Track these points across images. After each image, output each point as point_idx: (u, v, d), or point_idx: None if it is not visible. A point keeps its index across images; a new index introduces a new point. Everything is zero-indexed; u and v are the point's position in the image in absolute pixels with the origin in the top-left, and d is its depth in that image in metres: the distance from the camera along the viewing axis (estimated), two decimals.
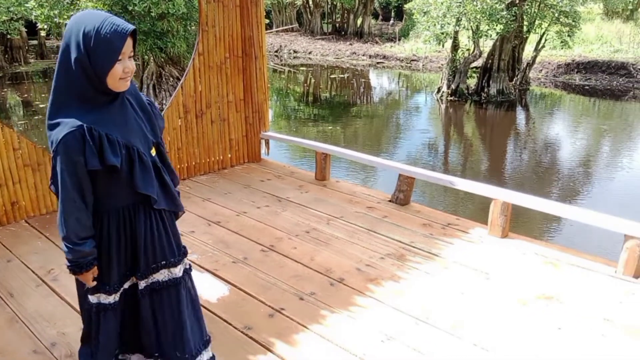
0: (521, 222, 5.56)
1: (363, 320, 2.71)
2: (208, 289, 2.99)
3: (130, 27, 1.65)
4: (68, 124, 1.62)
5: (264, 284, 3.04)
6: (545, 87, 15.17)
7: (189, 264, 2.12)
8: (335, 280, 3.10)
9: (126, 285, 1.94)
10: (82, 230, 1.72)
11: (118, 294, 1.92)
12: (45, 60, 20.14)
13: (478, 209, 5.51)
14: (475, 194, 3.92)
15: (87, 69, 1.63)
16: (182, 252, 2.03)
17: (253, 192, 4.58)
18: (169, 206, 1.93)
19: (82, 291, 1.95)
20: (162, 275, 1.95)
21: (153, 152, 1.88)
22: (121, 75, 1.68)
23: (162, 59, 11.15)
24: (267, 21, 26.91)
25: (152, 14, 9.67)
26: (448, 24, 11.38)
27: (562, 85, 15.09)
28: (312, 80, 17.81)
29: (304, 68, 20.00)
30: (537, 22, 13.09)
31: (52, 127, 1.66)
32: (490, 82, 13.05)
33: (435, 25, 11.61)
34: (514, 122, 11.87)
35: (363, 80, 17.79)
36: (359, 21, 26.22)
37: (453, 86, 13.00)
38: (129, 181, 1.76)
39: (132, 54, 1.71)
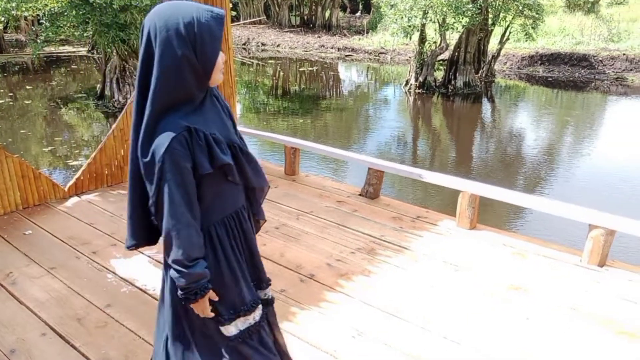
0: (489, 213, 5.63)
1: (334, 316, 2.68)
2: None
3: (222, 10, 1.48)
4: (171, 130, 1.42)
5: None
6: (510, 79, 15.45)
7: None
8: (305, 277, 3.06)
9: (262, 295, 1.75)
10: (193, 250, 1.47)
11: (260, 308, 1.69)
12: (4, 55, 19.35)
13: (447, 200, 5.55)
14: (444, 186, 3.94)
15: (194, 65, 1.44)
16: None
17: None
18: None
19: (214, 327, 1.63)
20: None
21: None
22: (222, 66, 1.52)
23: (126, 52, 10.84)
24: (234, 13, 26.62)
25: (115, 6, 9.38)
26: (415, 16, 11.42)
27: (526, 77, 15.39)
28: (281, 74, 17.67)
29: (272, 61, 19.82)
30: (501, 15, 13.29)
31: (151, 138, 1.45)
32: (457, 74, 13.20)
33: (402, 18, 11.64)
34: (480, 114, 12.05)
35: (332, 73, 17.75)
36: (327, 14, 26.12)
37: (421, 79, 13.09)
38: (240, 179, 1.60)
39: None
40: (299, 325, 2.60)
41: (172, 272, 1.50)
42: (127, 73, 11.02)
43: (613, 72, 14.90)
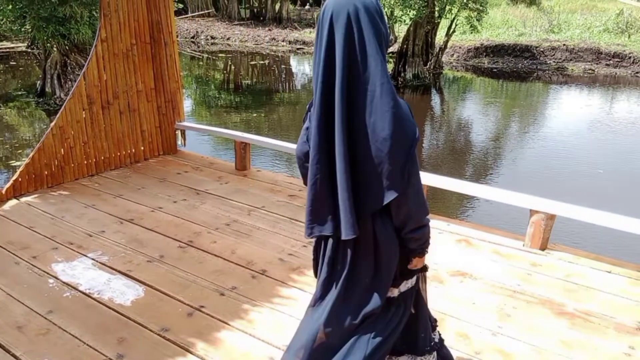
0: (440, 202, 5.77)
1: (286, 311, 2.67)
2: (120, 292, 2.82)
3: None
4: (406, 106, 1.51)
5: (182, 282, 2.91)
6: (457, 70, 15.84)
7: None
8: (257, 273, 3.03)
9: None
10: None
11: None
12: None
13: None
14: None
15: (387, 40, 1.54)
16: None
17: (169, 185, 4.38)
18: None
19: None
20: None
21: None
22: None
23: (67, 47, 10.38)
24: (182, 6, 25.98)
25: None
26: None
27: (473, 69, 15.82)
28: (232, 67, 17.42)
29: (223, 55, 19.49)
30: (447, 7, 13.57)
31: (401, 118, 1.47)
32: (406, 66, 13.40)
33: None
34: (430, 105, 12.30)
35: (284, 66, 17.65)
36: (277, 6, 25.89)
37: None
38: None
39: None
40: (250, 322, 2.57)
41: (420, 232, 1.59)
42: (69, 69, 10.57)
43: (554, 62, 15.53)
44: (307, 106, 1.69)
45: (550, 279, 2.98)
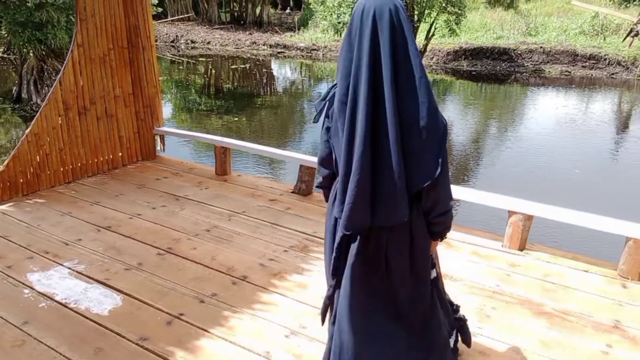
0: None
1: (267, 317, 2.65)
2: (98, 301, 2.77)
3: None
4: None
5: (161, 290, 2.88)
6: (437, 73, 15.97)
7: None
8: (237, 279, 3.01)
9: None
10: None
11: None
12: None
13: None
14: None
15: None
16: None
17: (148, 191, 4.33)
18: None
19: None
20: None
21: None
22: None
23: (43, 52, 10.21)
24: (161, 10, 25.76)
25: (29, 4, 8.80)
26: (344, 13, 11.55)
27: (452, 72, 15.97)
28: (213, 72, 17.31)
29: (203, 59, 19.36)
30: (426, 11, 13.71)
31: (436, 110, 1.64)
32: None
33: (331, 15, 11.74)
34: None
35: (265, 70, 17.61)
36: (258, 10, 25.85)
37: None
38: None
39: None
40: (231, 329, 2.55)
41: (445, 217, 1.78)
42: (46, 74, 10.40)
43: (531, 64, 15.75)
44: (320, 107, 1.79)
45: (529, 279, 3.01)
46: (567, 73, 15.15)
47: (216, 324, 2.57)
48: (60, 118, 4.29)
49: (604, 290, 2.91)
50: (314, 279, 3.00)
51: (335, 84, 1.73)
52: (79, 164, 4.52)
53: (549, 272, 3.09)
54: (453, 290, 2.88)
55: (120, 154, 4.85)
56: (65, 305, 2.73)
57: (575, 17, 18.83)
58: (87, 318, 2.62)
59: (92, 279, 2.98)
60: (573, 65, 15.34)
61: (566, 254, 3.31)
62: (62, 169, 4.40)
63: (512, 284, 2.96)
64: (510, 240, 3.32)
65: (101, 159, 4.69)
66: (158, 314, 2.66)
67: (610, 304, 2.78)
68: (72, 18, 9.79)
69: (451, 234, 3.50)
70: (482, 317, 2.64)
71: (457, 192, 3.69)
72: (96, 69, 4.48)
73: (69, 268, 3.09)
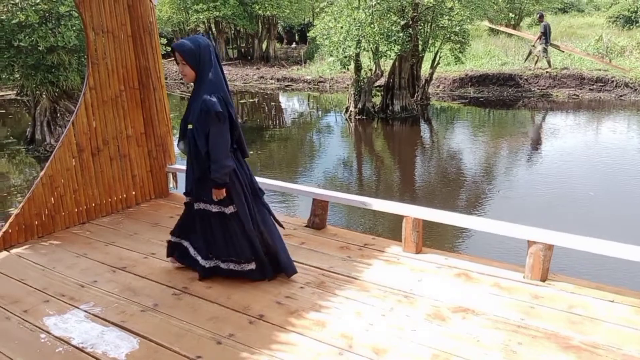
0: (435, 235, 5.73)
1: (285, 357, 2.59)
2: (114, 344, 2.73)
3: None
4: None
5: (178, 332, 2.83)
6: (444, 101, 16.07)
7: None
8: (254, 318, 2.96)
9: None
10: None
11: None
12: None
13: (395, 223, 5.60)
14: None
15: None
16: None
17: (162, 230, 4.31)
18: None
19: None
20: None
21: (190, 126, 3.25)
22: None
23: (56, 94, 10.42)
24: (170, 49, 26.32)
25: (40, 48, 9.04)
26: (349, 47, 11.70)
27: (459, 99, 16.05)
28: None
29: None
30: (430, 41, 13.87)
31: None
32: (394, 99, 13.58)
33: (337, 49, 11.90)
34: (420, 136, 12.40)
35: (273, 103, 17.82)
36: (264, 45, 26.37)
37: (360, 105, 13.36)
38: None
39: (182, 62, 3.33)
40: None
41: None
42: (59, 115, 10.59)
43: (538, 89, 15.81)
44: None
45: (554, 311, 2.93)
46: (575, 96, 15.17)
47: None
48: (74, 160, 4.33)
49: (631, 321, 2.82)
50: (332, 317, 2.94)
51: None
52: (93, 204, 4.54)
53: (573, 303, 3.01)
54: (475, 325, 2.81)
55: (133, 192, 4.87)
56: (82, 350, 2.69)
57: (579, 40, 18.96)
58: None
59: (109, 321, 2.95)
60: (580, 89, 15.37)
61: (590, 283, 3.22)
62: (76, 210, 4.41)
63: (537, 317, 2.88)
64: (532, 271, 3.25)
65: (115, 198, 4.71)
66: (175, 357, 2.61)
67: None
68: (83, 60, 10.03)
69: (470, 266, 3.46)
70: (509, 354, 2.56)
71: (474, 222, 3.66)
72: (108, 110, 4.55)
73: (85, 311, 3.06)
